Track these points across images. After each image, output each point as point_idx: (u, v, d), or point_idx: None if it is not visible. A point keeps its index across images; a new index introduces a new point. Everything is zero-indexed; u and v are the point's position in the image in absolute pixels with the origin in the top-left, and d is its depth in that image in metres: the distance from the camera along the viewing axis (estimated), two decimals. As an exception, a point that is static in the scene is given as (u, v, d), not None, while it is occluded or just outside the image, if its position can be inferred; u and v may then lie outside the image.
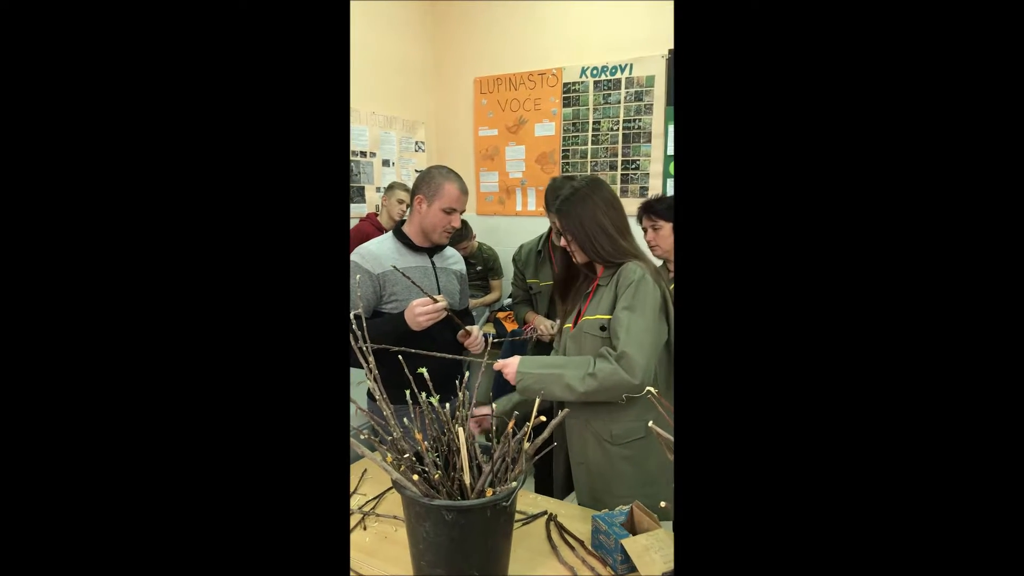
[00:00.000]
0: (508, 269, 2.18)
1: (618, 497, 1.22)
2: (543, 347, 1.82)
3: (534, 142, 3.24)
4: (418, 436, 0.93)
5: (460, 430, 0.94)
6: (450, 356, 1.27)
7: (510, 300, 2.19)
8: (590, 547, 1.06)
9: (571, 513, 1.19)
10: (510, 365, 1.23)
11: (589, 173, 3.07)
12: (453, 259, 1.63)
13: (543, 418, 0.94)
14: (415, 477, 0.87)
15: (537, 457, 0.95)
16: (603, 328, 1.22)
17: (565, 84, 3.07)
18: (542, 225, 3.15)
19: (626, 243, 1.24)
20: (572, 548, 1.06)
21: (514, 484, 0.90)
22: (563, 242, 1.30)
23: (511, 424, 0.93)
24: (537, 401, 0.95)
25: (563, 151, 3.14)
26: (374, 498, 1.24)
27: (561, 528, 1.12)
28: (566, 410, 0.98)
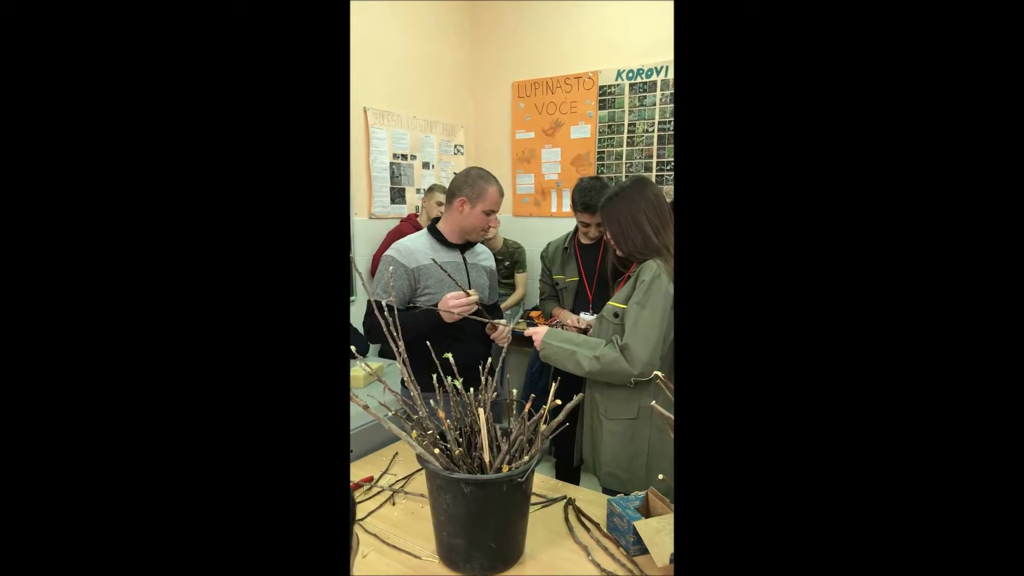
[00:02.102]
0: (539, 266, 2.24)
1: (603, 464, 1.40)
2: None
3: (570, 144, 3.28)
4: (441, 415, 1.00)
5: (481, 411, 1.01)
6: (481, 319, 1.43)
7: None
8: (605, 530, 1.11)
9: (589, 499, 1.23)
10: (538, 333, 1.37)
11: (624, 175, 3.10)
12: (484, 255, 1.70)
13: (559, 401, 0.99)
14: (436, 451, 0.93)
15: (554, 434, 1.00)
16: (616, 315, 1.33)
17: (601, 87, 3.11)
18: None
19: (658, 240, 1.31)
20: (588, 530, 1.11)
21: (526, 459, 0.95)
22: (606, 236, 1.40)
23: (528, 405, 0.99)
24: (553, 386, 1.01)
25: (598, 153, 3.18)
26: (403, 478, 1.32)
27: (578, 511, 1.17)
28: (580, 395, 1.03)
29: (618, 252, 1.40)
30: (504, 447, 0.98)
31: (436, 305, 1.47)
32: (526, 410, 0.99)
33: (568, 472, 1.93)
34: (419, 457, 0.97)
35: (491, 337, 1.57)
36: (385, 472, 1.35)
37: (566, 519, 1.15)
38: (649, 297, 1.24)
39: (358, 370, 1.87)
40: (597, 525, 1.12)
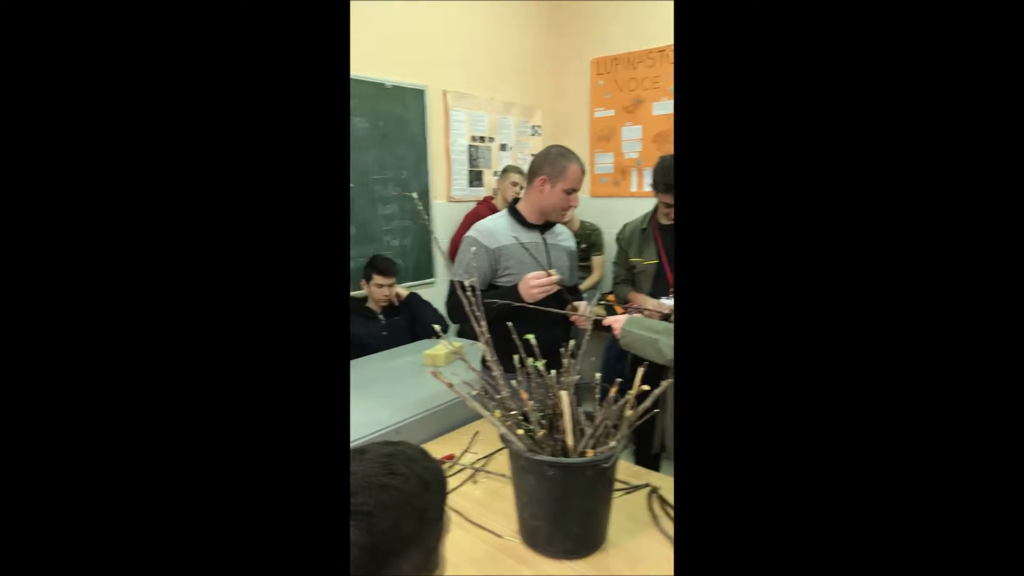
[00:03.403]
0: (614, 248, 2.16)
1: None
2: None
3: (651, 121, 3.16)
4: (524, 396, 0.99)
5: (564, 394, 0.99)
6: (560, 311, 1.38)
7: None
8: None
9: (673, 487, 1.19)
10: (618, 321, 1.32)
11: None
12: (563, 236, 1.67)
13: (646, 387, 0.95)
14: (520, 433, 0.93)
15: (641, 420, 0.97)
16: None
17: (686, 59, 2.96)
18: (658, 205, 3.09)
19: None
20: (672, 520, 1.07)
21: (612, 444, 0.93)
22: None
23: (613, 390, 0.96)
24: (640, 371, 0.97)
25: (682, 129, 3.04)
26: (484, 456, 1.33)
27: (663, 500, 1.13)
28: (669, 380, 0.98)
29: None
30: (588, 431, 0.96)
31: (517, 285, 1.46)
32: (611, 395, 0.96)
33: (647, 459, 1.88)
34: (502, 437, 0.96)
35: (571, 319, 1.55)
36: (466, 451, 1.37)
37: (649, 507, 1.12)
38: None
39: (440, 348, 1.90)
40: (683, 516, 1.08)
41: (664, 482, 1.21)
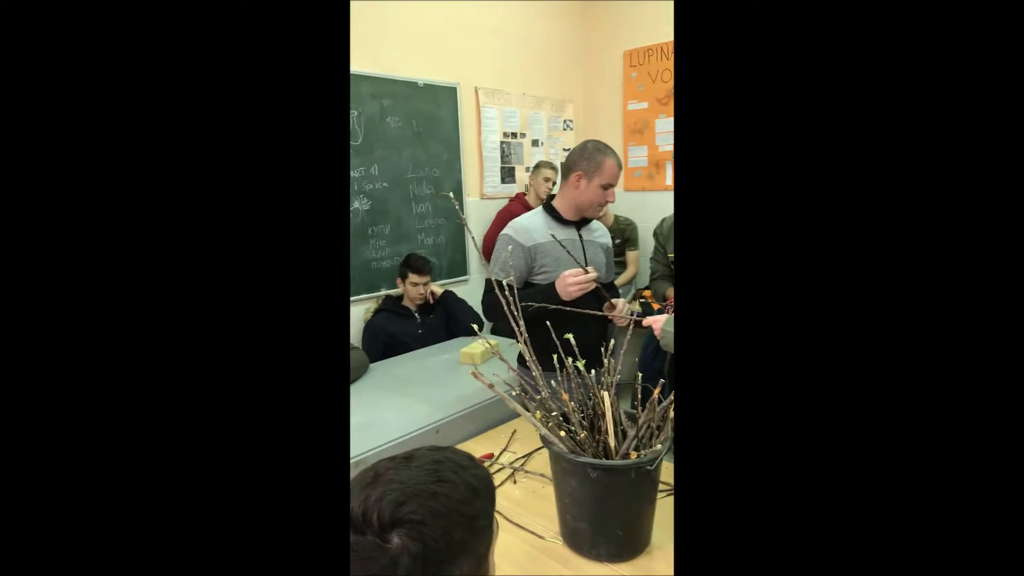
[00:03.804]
0: (652, 243, 2.12)
1: None
2: None
3: (687, 113, 3.09)
4: (565, 397, 0.97)
5: (605, 395, 0.97)
6: (598, 313, 1.34)
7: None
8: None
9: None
10: (657, 321, 1.28)
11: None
12: (599, 232, 1.64)
13: (691, 387, 0.93)
14: (562, 434, 0.91)
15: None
16: None
17: (722, 48, 2.88)
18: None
19: None
20: (719, 523, 1.04)
21: (659, 447, 0.90)
22: None
23: (657, 391, 0.93)
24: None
25: (719, 120, 2.96)
26: (523, 456, 1.32)
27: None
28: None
29: None
30: (631, 432, 0.94)
31: (553, 283, 1.44)
32: (655, 396, 0.93)
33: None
34: (543, 438, 0.95)
35: (609, 316, 1.52)
36: (505, 450, 1.37)
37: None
38: None
39: (476, 346, 1.90)
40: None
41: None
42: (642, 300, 2.80)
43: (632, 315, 1.46)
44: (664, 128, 3.20)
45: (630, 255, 3.13)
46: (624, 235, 3.08)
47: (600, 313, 1.45)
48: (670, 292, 1.84)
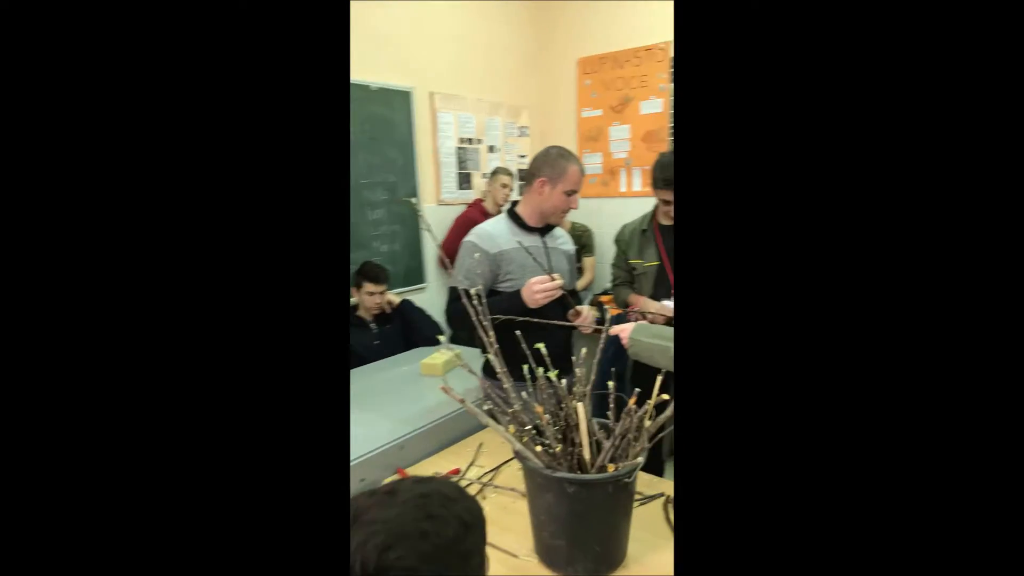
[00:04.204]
0: (608, 249, 2.12)
1: None
2: None
3: (640, 120, 3.14)
4: (539, 410, 0.94)
5: (579, 406, 0.95)
6: (566, 324, 1.31)
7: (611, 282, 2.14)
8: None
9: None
10: (625, 330, 1.25)
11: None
12: (563, 239, 1.63)
13: (666, 396, 0.91)
14: (538, 448, 0.88)
15: (660, 437, 0.93)
16: None
17: (673, 58, 2.94)
18: (648, 205, 3.07)
19: None
20: (693, 531, 1.03)
21: (638, 460, 0.89)
22: None
23: (632, 400, 0.92)
24: (659, 379, 0.93)
25: (671, 128, 3.02)
26: (491, 470, 1.28)
27: (681, 511, 1.09)
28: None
29: None
30: (607, 444, 0.92)
31: (519, 291, 1.41)
32: (630, 405, 0.92)
33: (657, 466, 1.85)
34: (518, 453, 0.92)
35: (574, 323, 1.51)
36: (472, 464, 1.32)
37: (667, 518, 1.08)
38: None
39: (437, 356, 1.85)
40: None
41: (680, 491, 1.17)
42: (598, 305, 2.82)
43: (607, 323, 1.44)
44: (618, 136, 3.24)
45: (586, 261, 3.15)
46: (580, 241, 3.10)
47: (567, 324, 1.43)
48: (633, 298, 1.84)
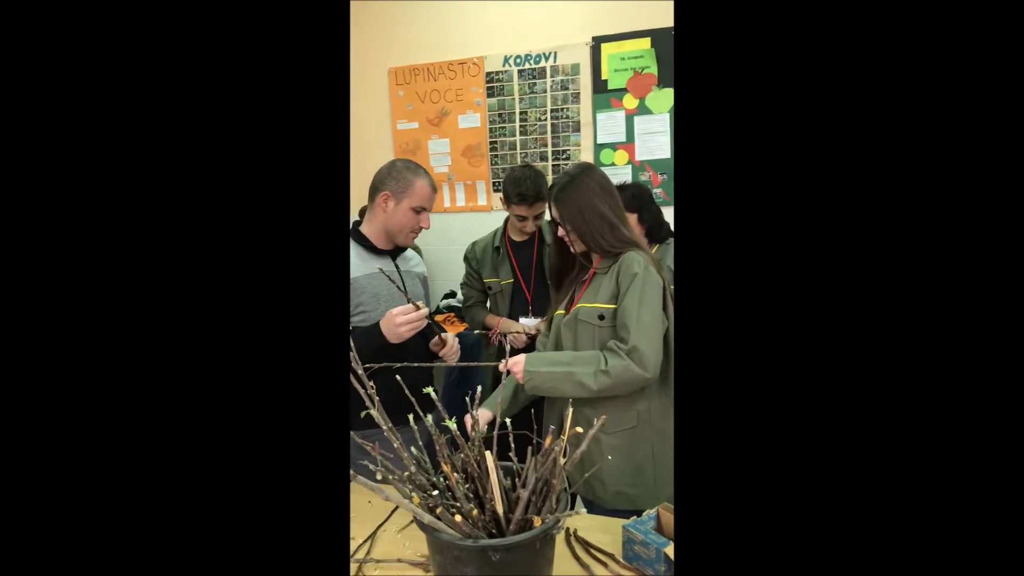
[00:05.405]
0: (436, 267, 2.03)
1: (608, 485, 1.23)
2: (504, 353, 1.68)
3: (459, 134, 3.11)
4: (446, 468, 0.80)
5: (488, 453, 0.83)
6: (468, 364, 1.20)
7: (459, 303, 2.05)
8: (622, 559, 0.99)
9: (588, 524, 1.10)
10: (517, 364, 1.16)
11: (521, 163, 2.99)
12: (415, 261, 1.48)
13: (579, 429, 0.84)
14: (458, 518, 0.74)
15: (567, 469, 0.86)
16: (601, 317, 1.19)
17: (488, 73, 2.97)
18: (474, 221, 3.05)
19: (626, 231, 1.20)
20: (604, 564, 0.98)
21: (568, 510, 0.80)
22: (560, 232, 1.22)
23: (548, 439, 0.83)
24: (569, 412, 0.85)
25: (490, 143, 3.04)
26: (365, 540, 1.08)
27: (585, 543, 1.04)
28: (604, 418, 0.88)
29: (577, 248, 1.25)
30: (524, 493, 0.81)
31: (376, 325, 1.23)
32: (547, 445, 0.82)
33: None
34: (427, 528, 0.76)
35: (439, 354, 1.37)
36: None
37: (573, 554, 1.01)
38: (646, 292, 1.13)
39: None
40: (612, 556, 1.00)
41: (579, 521, 1.12)
42: (437, 325, 2.69)
43: (507, 353, 1.33)
44: (437, 149, 3.16)
45: (415, 280, 3.00)
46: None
47: (436, 363, 1.29)
48: (491, 319, 1.76)
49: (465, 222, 3.08)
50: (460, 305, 2.29)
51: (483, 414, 1.25)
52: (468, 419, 1.15)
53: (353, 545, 1.07)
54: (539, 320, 1.62)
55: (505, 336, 1.63)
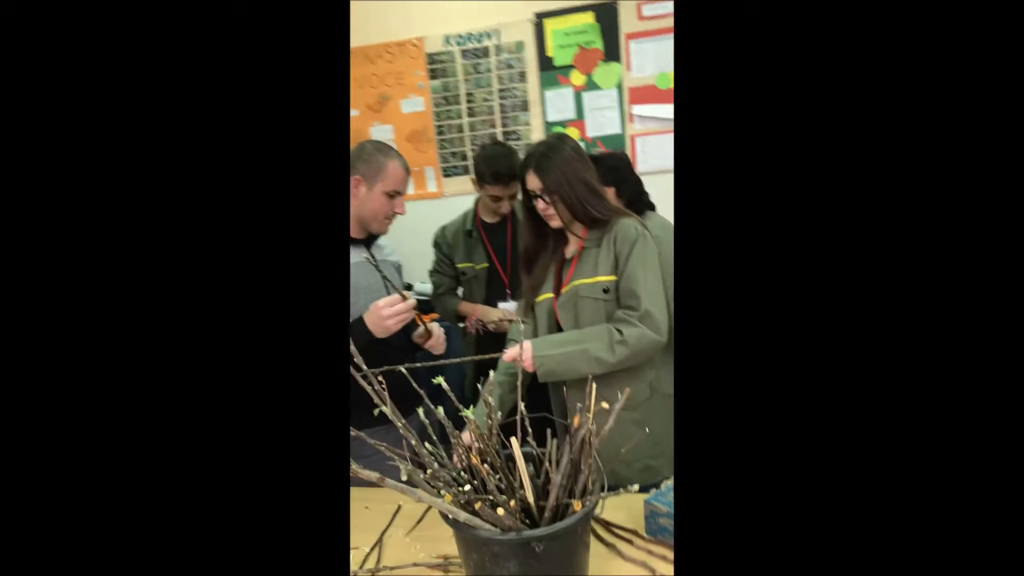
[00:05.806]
0: (405, 259, 1.94)
1: (633, 461, 1.20)
2: (482, 342, 1.63)
3: (403, 120, 2.98)
4: (475, 460, 0.74)
5: (514, 440, 0.78)
6: (465, 359, 1.19)
7: (419, 295, 1.97)
8: (645, 534, 0.97)
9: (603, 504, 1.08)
10: (526, 351, 1.10)
11: (469, 148, 2.91)
12: (388, 249, 1.40)
13: (605, 404, 0.81)
14: (500, 512, 0.69)
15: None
16: (606, 290, 1.15)
17: (429, 55, 2.86)
18: (430, 208, 2.94)
19: (610, 199, 1.17)
20: (630, 541, 0.96)
21: (603, 493, 0.76)
22: (541, 205, 1.16)
23: (576, 419, 0.79)
24: (593, 387, 0.82)
25: (437, 127, 2.94)
26: (372, 548, 1.01)
27: (607, 524, 1.01)
28: (628, 391, 0.84)
29: (561, 219, 1.18)
30: (556, 477, 0.77)
31: (361, 319, 1.15)
32: (575, 426, 0.78)
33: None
34: (462, 525, 0.70)
35: (424, 346, 1.30)
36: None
37: (596, 535, 0.98)
38: (646, 256, 1.12)
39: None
40: (635, 532, 0.97)
41: (593, 501, 1.09)
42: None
43: (507, 344, 1.26)
44: (381, 136, 3.02)
45: (369, 272, 2.88)
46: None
47: (421, 322, 1.22)
48: (465, 307, 1.68)
49: (419, 209, 2.98)
50: (425, 296, 2.21)
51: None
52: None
53: (359, 555, 0.99)
54: (516, 305, 1.57)
55: (480, 322, 1.57)
